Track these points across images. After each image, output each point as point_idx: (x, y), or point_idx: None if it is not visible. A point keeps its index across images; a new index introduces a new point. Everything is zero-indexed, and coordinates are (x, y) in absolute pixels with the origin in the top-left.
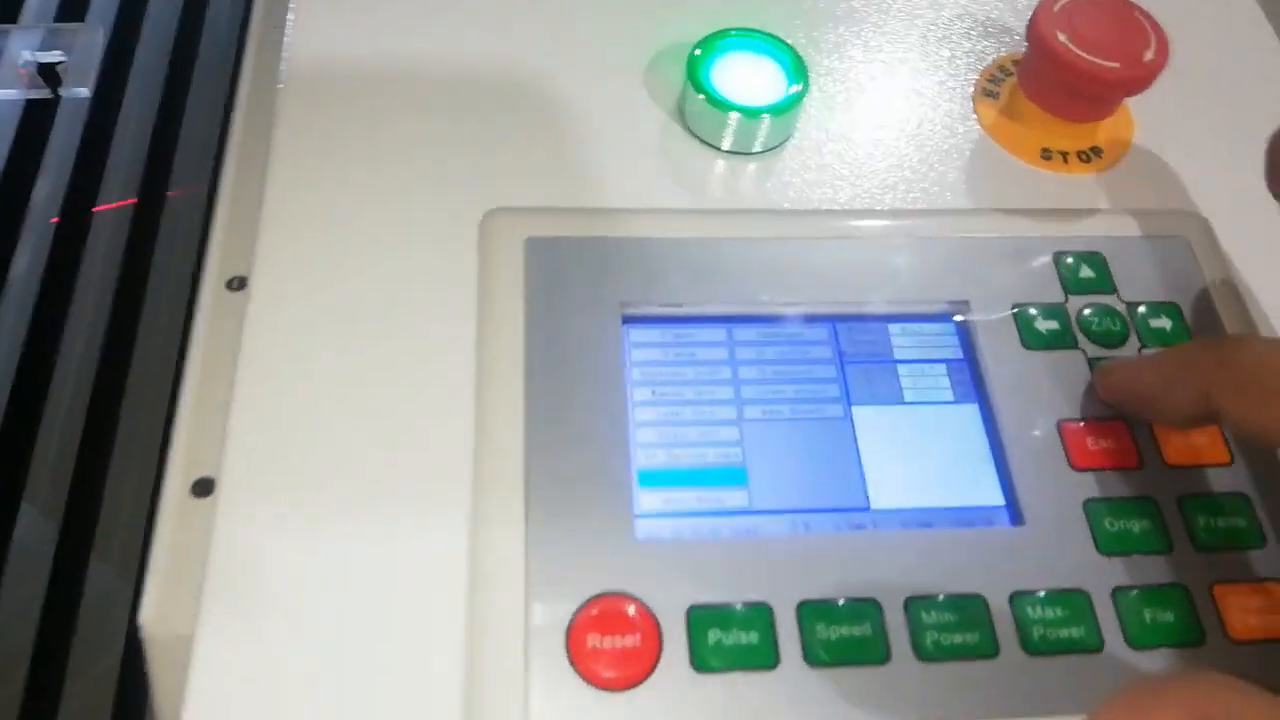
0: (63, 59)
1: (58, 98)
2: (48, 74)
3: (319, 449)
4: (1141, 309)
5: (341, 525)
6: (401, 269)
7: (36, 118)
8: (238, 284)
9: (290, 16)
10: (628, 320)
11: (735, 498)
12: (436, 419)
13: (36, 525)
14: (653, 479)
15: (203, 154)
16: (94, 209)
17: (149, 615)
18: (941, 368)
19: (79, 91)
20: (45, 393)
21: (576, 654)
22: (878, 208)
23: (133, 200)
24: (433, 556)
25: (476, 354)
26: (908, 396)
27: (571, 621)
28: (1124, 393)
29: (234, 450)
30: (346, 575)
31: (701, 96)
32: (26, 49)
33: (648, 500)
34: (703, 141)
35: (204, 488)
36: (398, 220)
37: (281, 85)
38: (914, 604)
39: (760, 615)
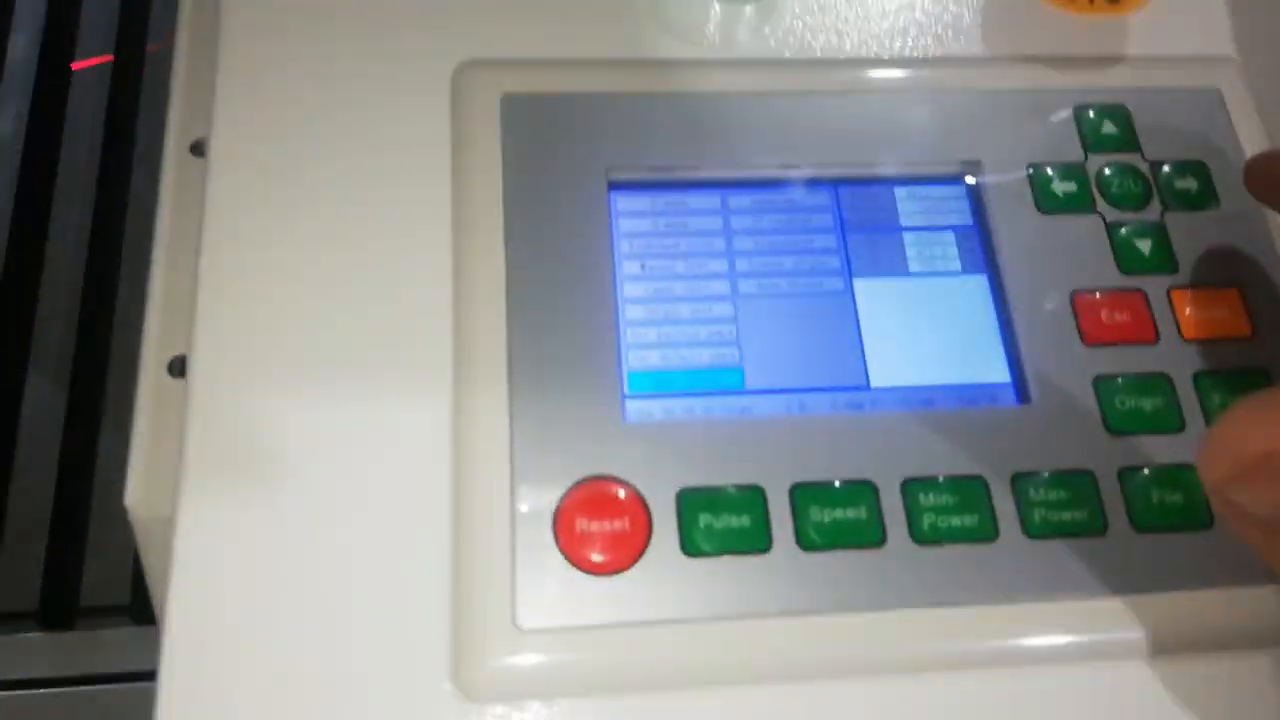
0: None
1: None
2: None
3: (291, 323)
4: (1165, 168)
5: (320, 403)
6: (369, 127)
7: None
8: (201, 149)
9: None
10: (614, 186)
11: (728, 377)
12: (413, 288)
13: (45, 394)
14: (643, 358)
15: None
16: (73, 66)
17: (133, 499)
18: (949, 235)
19: None
20: (41, 260)
21: (564, 538)
22: (886, 56)
23: (109, 58)
24: (415, 433)
25: (453, 222)
26: (913, 267)
27: (559, 505)
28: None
29: (204, 326)
30: (327, 455)
31: None
32: None
33: (637, 381)
34: None
35: (179, 367)
36: (363, 75)
37: None
38: (911, 485)
39: (752, 498)
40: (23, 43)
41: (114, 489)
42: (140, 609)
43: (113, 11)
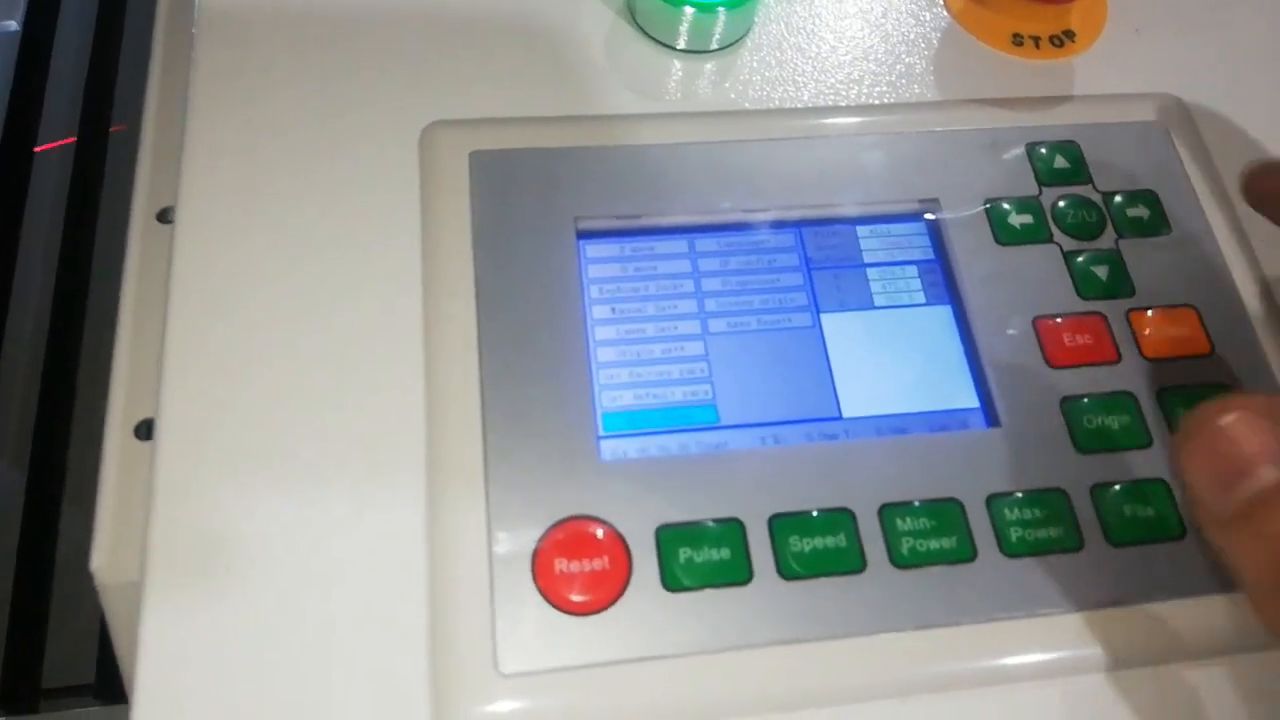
0: None
1: None
2: None
3: (260, 384)
4: (1118, 199)
5: (290, 461)
6: (337, 191)
7: None
8: (168, 216)
9: None
10: (583, 235)
11: (702, 414)
12: (383, 347)
13: (3, 475)
14: (616, 399)
15: (143, 86)
16: (35, 149)
17: (100, 563)
18: (912, 269)
19: (7, 25)
20: (1, 331)
21: (543, 579)
22: (842, 104)
23: (72, 139)
24: (390, 488)
25: (423, 277)
26: (878, 301)
27: (537, 547)
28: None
29: (170, 391)
30: (298, 511)
31: None
32: None
33: (612, 421)
34: (655, 40)
35: (147, 430)
36: (330, 140)
37: (198, 2)
38: (888, 511)
39: (731, 531)
40: None
41: (76, 563)
42: (106, 687)
43: (76, 95)
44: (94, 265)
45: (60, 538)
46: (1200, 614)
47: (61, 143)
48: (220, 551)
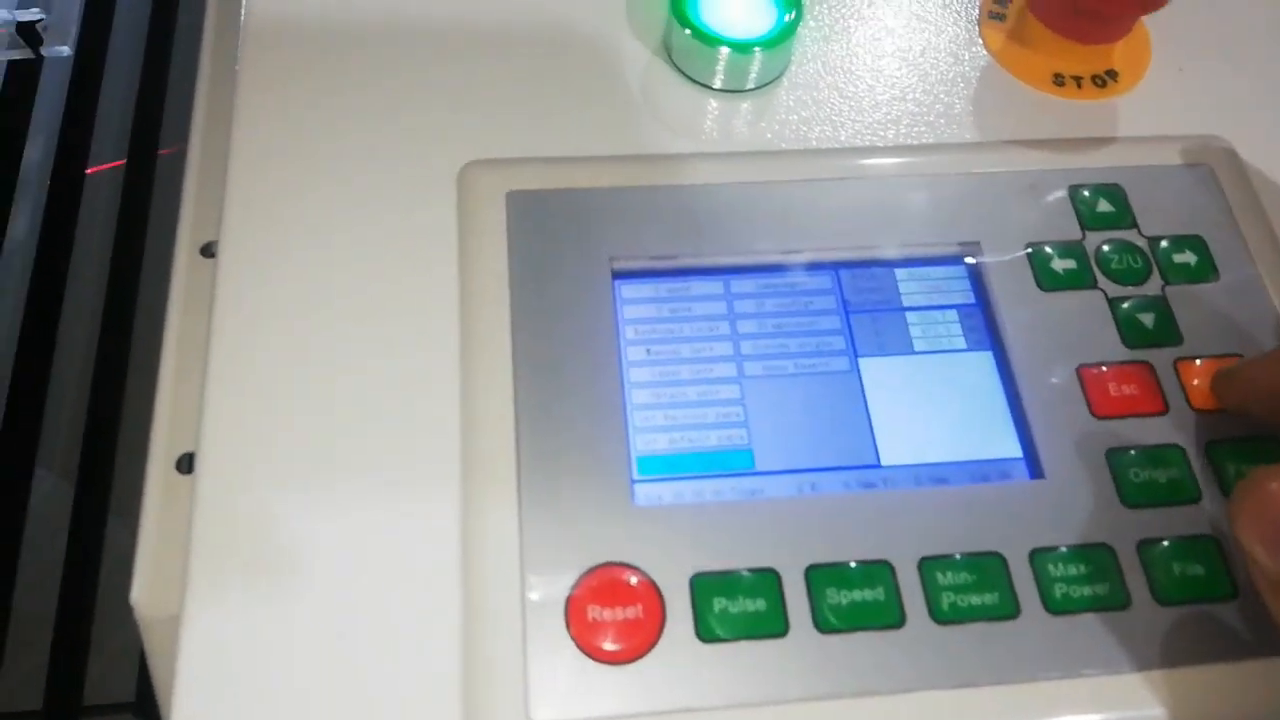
0: (41, 17)
1: (40, 57)
2: (28, 33)
3: (299, 420)
4: (1164, 243)
5: (328, 497)
6: (375, 227)
7: (21, 79)
8: (211, 251)
9: None
10: (618, 275)
11: (738, 459)
12: (420, 384)
13: (52, 487)
14: (650, 442)
15: (189, 114)
16: (87, 171)
17: (140, 596)
18: (953, 314)
19: (60, 50)
20: (50, 358)
21: (576, 627)
22: (880, 144)
23: (121, 161)
24: (424, 527)
25: (460, 316)
26: (917, 346)
27: (570, 594)
28: (1258, 393)
29: (212, 425)
30: (335, 550)
31: (688, 31)
32: (4, 8)
33: (646, 465)
34: (691, 79)
35: (188, 464)
36: (368, 178)
37: (243, 39)
38: (928, 564)
39: (767, 581)
40: (39, 147)
41: (119, 581)
42: (145, 706)
43: (126, 118)
44: (141, 285)
45: (105, 553)
46: (1254, 678)
47: (112, 165)
48: (256, 584)
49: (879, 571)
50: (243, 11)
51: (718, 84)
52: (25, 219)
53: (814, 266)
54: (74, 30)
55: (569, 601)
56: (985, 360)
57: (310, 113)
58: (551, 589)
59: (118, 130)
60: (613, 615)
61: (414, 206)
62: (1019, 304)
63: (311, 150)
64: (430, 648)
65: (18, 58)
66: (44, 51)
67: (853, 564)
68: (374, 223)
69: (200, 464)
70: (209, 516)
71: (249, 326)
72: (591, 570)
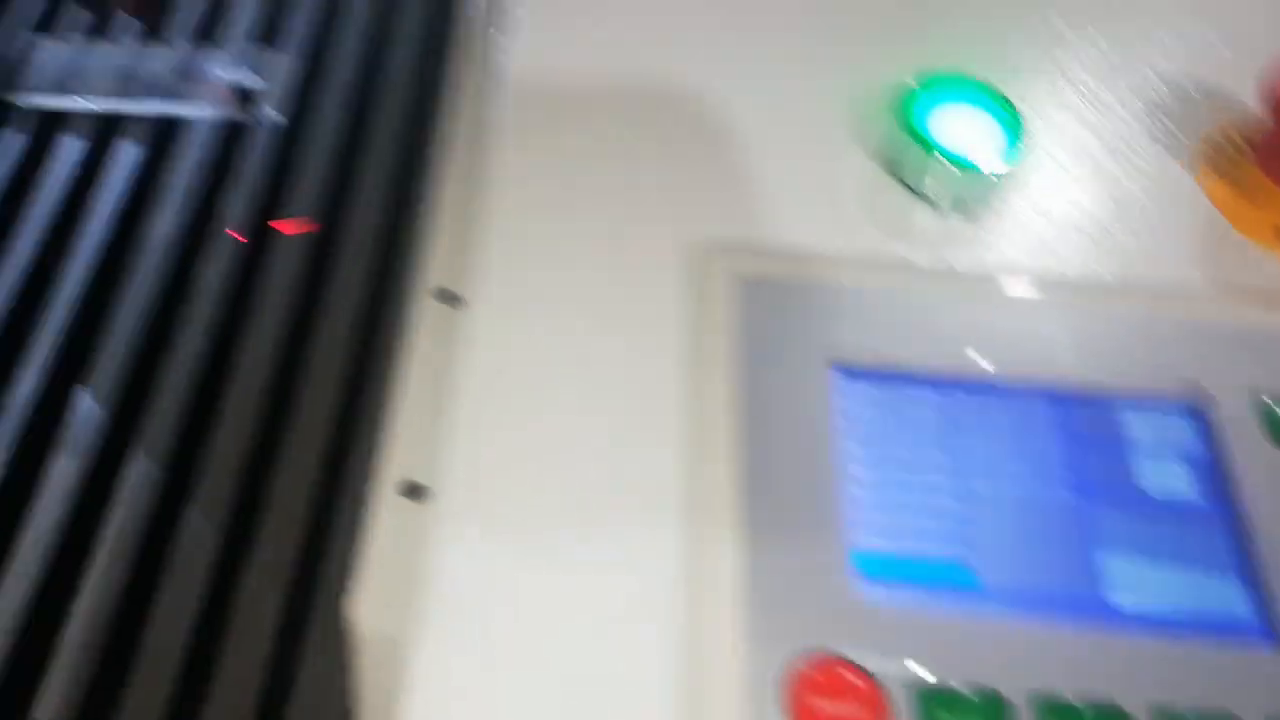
0: (257, 82)
1: (254, 120)
2: (244, 96)
3: (532, 471)
4: None
5: (553, 557)
6: (610, 298)
7: (227, 138)
8: (445, 296)
9: (508, 38)
10: (839, 371)
11: (960, 575)
12: (646, 450)
13: (198, 530)
14: (868, 539)
15: (380, 180)
16: (276, 227)
17: (363, 612)
18: (1182, 461)
19: (272, 115)
20: (222, 399)
21: (797, 711)
22: (1106, 277)
23: (317, 226)
24: (644, 598)
25: (688, 392)
26: (1145, 489)
27: (788, 673)
28: None
29: (453, 464)
30: (558, 609)
31: (919, 147)
32: (222, 69)
33: (864, 562)
34: (913, 191)
35: (412, 491)
36: (607, 248)
37: (502, 111)
38: (1159, 712)
39: (994, 705)
40: (238, 202)
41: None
42: None
43: (322, 182)
44: (321, 334)
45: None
46: None
47: (302, 228)
48: (486, 628)
49: (1112, 714)
50: (505, 86)
51: (943, 201)
52: (214, 266)
53: (1037, 392)
54: (284, 98)
55: (788, 681)
56: (1216, 514)
57: (561, 177)
58: (768, 665)
59: (316, 192)
60: (835, 709)
61: (645, 283)
62: (1252, 459)
63: (561, 217)
64: (646, 705)
65: (238, 119)
66: (258, 115)
67: (1081, 704)
68: (606, 291)
69: (440, 500)
70: (444, 551)
71: (492, 377)
72: (808, 653)
